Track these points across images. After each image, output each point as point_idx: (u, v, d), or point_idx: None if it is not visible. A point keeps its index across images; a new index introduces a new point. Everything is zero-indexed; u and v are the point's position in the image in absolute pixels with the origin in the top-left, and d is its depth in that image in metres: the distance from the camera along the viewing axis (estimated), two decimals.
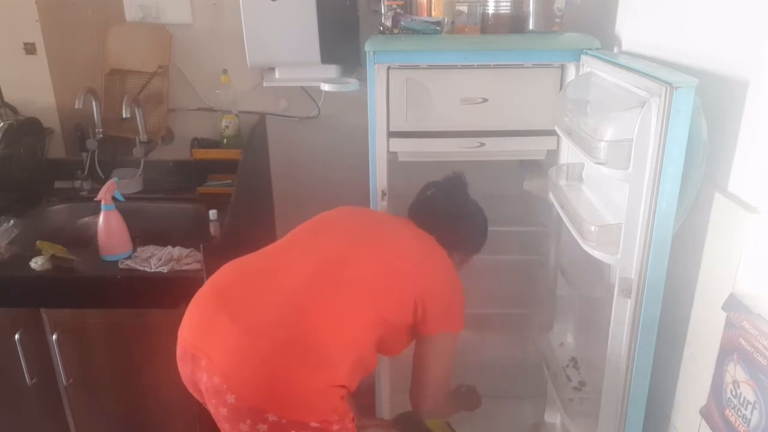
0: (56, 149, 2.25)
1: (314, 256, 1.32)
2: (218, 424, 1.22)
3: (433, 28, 1.68)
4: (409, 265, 1.37)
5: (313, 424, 1.15)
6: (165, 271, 1.69)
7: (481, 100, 1.66)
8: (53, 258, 1.72)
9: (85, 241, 1.93)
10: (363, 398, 1.79)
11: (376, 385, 1.84)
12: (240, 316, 1.20)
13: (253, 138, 2.13)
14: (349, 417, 1.23)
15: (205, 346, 1.20)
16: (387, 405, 1.88)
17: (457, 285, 1.43)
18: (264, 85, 2.14)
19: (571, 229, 1.42)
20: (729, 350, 1.02)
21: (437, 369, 1.44)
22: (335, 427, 1.18)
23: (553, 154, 1.75)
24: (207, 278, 1.54)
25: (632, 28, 1.59)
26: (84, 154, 2.19)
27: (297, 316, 1.20)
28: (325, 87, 1.96)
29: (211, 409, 1.21)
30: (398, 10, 1.75)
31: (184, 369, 1.27)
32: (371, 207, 1.70)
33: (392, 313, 1.30)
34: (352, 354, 1.21)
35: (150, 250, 1.78)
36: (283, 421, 1.14)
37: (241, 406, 1.15)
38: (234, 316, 1.20)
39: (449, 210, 1.55)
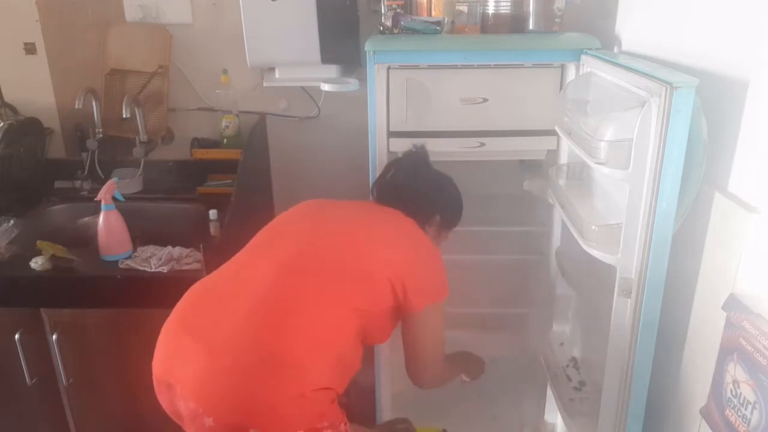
0: (56, 149, 2.25)
1: (273, 264, 1.27)
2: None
3: (433, 28, 1.68)
4: (376, 248, 1.32)
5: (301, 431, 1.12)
6: (165, 271, 1.69)
7: (481, 99, 1.66)
8: (53, 258, 1.72)
9: (85, 241, 1.93)
10: (363, 397, 1.79)
11: (376, 385, 1.84)
12: (204, 337, 1.17)
13: (253, 138, 2.13)
14: (340, 420, 1.19)
15: (175, 372, 1.18)
16: (387, 403, 1.88)
17: (432, 253, 1.38)
18: (264, 85, 2.14)
19: (571, 229, 1.42)
20: (729, 350, 1.02)
21: (429, 343, 1.40)
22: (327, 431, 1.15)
23: (553, 154, 1.75)
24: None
25: (632, 28, 1.59)
26: (84, 154, 2.19)
27: (263, 328, 1.17)
28: (325, 87, 1.96)
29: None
30: (398, 10, 1.75)
31: (162, 399, 1.23)
32: None
33: (368, 302, 1.27)
34: (328, 355, 1.18)
35: (150, 250, 1.78)
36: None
37: (221, 427, 1.12)
38: (198, 338, 1.18)
39: (412, 184, 1.49)
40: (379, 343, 1.47)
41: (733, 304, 1.02)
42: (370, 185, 1.68)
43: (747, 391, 0.97)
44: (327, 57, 1.98)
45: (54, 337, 1.72)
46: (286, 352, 1.14)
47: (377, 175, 1.67)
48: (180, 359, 1.18)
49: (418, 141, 1.57)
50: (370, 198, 1.54)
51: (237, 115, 2.19)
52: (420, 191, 1.48)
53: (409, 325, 1.37)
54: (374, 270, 1.28)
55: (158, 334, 1.65)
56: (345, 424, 1.21)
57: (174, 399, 1.19)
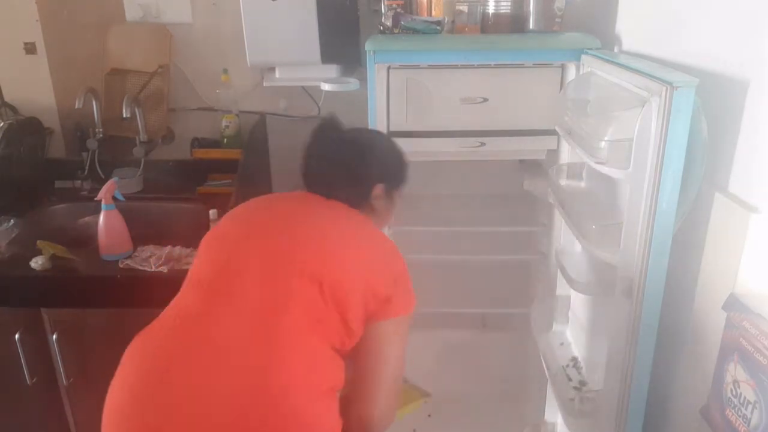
0: (56, 149, 2.25)
1: (236, 316, 1.06)
2: None
3: (434, 28, 1.68)
4: (342, 270, 1.11)
5: None
6: (165, 270, 1.69)
7: (482, 99, 1.66)
8: (53, 258, 1.72)
9: (86, 241, 1.93)
10: None
11: None
12: (171, 409, 0.98)
13: (253, 138, 2.13)
14: None
15: None
16: None
17: (395, 260, 1.18)
18: (264, 84, 2.14)
19: (571, 229, 1.42)
20: (729, 350, 1.02)
21: (390, 363, 1.15)
22: None
23: (554, 153, 1.75)
24: None
25: (632, 28, 1.59)
26: (84, 154, 2.19)
27: (253, 407, 0.97)
28: (326, 87, 1.96)
29: None
30: (398, 10, 1.75)
31: None
32: None
33: (342, 333, 1.10)
34: (324, 395, 1.05)
35: (150, 249, 1.78)
36: None
37: None
38: (142, 413, 1.01)
39: (334, 166, 1.25)
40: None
41: (733, 303, 1.02)
42: None
43: (747, 391, 0.97)
44: (327, 57, 1.98)
45: (54, 336, 1.72)
46: (277, 413, 0.98)
47: None
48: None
49: (327, 113, 1.33)
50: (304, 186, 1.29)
51: (237, 115, 2.19)
52: (345, 170, 1.23)
53: (369, 339, 1.14)
54: (349, 299, 1.09)
55: None
56: None
57: None
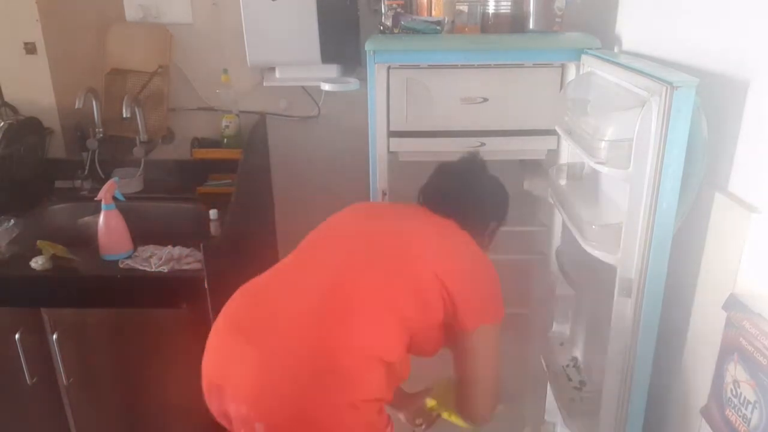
0: (56, 149, 2.25)
1: (326, 271, 1.25)
2: None
3: (434, 28, 1.68)
4: (427, 260, 1.26)
5: None
6: (165, 270, 1.69)
7: (482, 99, 1.66)
8: (53, 257, 1.72)
9: (86, 241, 1.92)
10: None
11: None
12: (257, 341, 1.16)
13: (253, 138, 2.13)
14: (386, 425, 1.20)
15: (227, 375, 1.17)
16: None
17: (487, 271, 1.31)
18: (264, 84, 2.14)
19: (571, 229, 1.42)
20: (729, 350, 1.02)
21: (480, 369, 1.32)
22: None
23: (554, 153, 1.75)
24: (207, 278, 1.54)
25: (633, 28, 1.59)
26: (84, 154, 2.19)
27: (315, 338, 1.15)
28: (326, 86, 1.96)
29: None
30: (398, 10, 1.75)
31: (212, 402, 1.21)
32: None
33: (417, 313, 1.22)
34: (379, 368, 1.16)
35: (150, 249, 1.78)
36: None
37: (250, 418, 1.12)
38: (251, 341, 1.16)
39: (463, 195, 1.42)
40: (426, 356, 1.36)
41: (733, 303, 1.02)
42: (371, 185, 1.68)
43: (747, 391, 0.97)
44: (327, 57, 1.98)
45: (54, 336, 1.72)
46: (337, 362, 1.12)
47: (377, 174, 1.67)
48: (232, 362, 1.17)
49: (473, 148, 1.56)
50: (416, 202, 1.46)
51: (237, 115, 2.19)
52: (473, 202, 1.41)
53: (460, 348, 1.31)
54: (424, 282, 1.23)
55: (159, 334, 1.65)
56: (390, 427, 1.22)
57: (224, 401, 1.17)
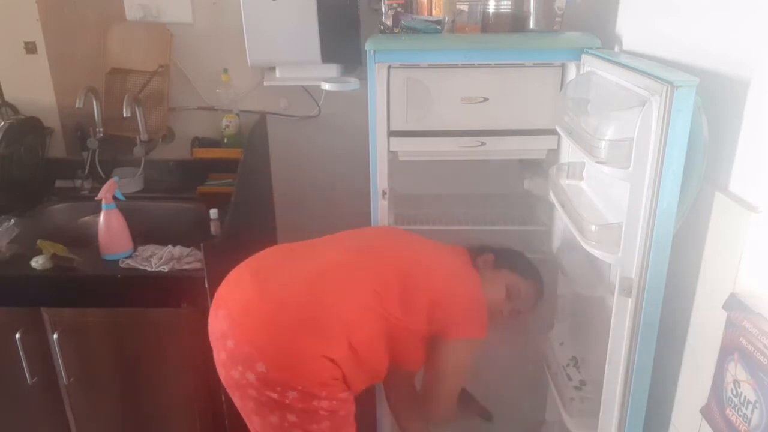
0: (57, 148, 2.25)
1: (342, 250, 1.45)
2: (218, 371, 1.34)
3: (434, 27, 1.68)
4: (426, 273, 1.42)
5: (299, 387, 1.22)
6: (165, 270, 1.69)
7: (482, 99, 1.66)
8: (54, 257, 1.72)
9: (86, 241, 1.93)
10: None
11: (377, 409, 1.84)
12: (262, 278, 1.34)
13: (253, 137, 2.13)
14: (341, 407, 1.27)
15: (227, 298, 1.34)
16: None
17: (476, 292, 1.45)
18: (264, 84, 2.14)
19: (571, 229, 1.42)
20: (730, 349, 1.02)
21: (448, 376, 1.45)
22: (323, 403, 1.24)
23: (554, 153, 1.75)
24: (207, 278, 1.56)
25: (633, 27, 1.59)
26: (84, 154, 2.19)
27: (309, 289, 1.32)
28: (326, 86, 1.96)
29: (215, 356, 1.32)
30: (399, 9, 1.75)
31: (210, 322, 1.35)
32: (371, 206, 1.71)
33: (400, 314, 1.35)
34: (347, 333, 1.28)
35: (150, 249, 1.78)
36: (270, 375, 1.22)
37: (238, 351, 1.24)
38: (257, 277, 1.34)
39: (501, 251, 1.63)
40: (409, 369, 1.52)
41: (733, 303, 1.02)
42: (371, 184, 1.69)
43: (748, 391, 0.97)
44: (327, 56, 1.98)
45: (54, 336, 1.72)
46: (320, 316, 1.28)
47: (377, 174, 1.67)
48: (235, 290, 1.35)
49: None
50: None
51: (237, 115, 2.19)
52: (499, 251, 1.62)
53: (435, 352, 1.42)
54: (418, 288, 1.38)
55: (159, 334, 1.68)
56: (347, 415, 1.29)
57: (217, 321, 1.32)
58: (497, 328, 1.53)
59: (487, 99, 1.66)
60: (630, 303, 1.22)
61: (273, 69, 2.10)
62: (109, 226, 1.74)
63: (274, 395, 1.22)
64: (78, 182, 2.21)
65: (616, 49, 1.66)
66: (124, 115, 1.99)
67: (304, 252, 1.45)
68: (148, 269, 1.70)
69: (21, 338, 1.71)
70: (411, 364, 1.46)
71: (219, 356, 1.31)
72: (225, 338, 1.27)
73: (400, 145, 1.70)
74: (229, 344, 1.26)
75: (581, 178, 1.63)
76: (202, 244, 1.64)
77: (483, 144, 1.69)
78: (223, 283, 1.39)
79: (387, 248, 1.49)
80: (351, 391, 1.32)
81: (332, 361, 1.25)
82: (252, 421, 1.31)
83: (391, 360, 1.40)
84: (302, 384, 1.22)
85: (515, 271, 1.60)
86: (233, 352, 1.25)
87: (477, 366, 1.67)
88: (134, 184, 2.17)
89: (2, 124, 2.04)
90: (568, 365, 1.74)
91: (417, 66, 1.64)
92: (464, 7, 1.74)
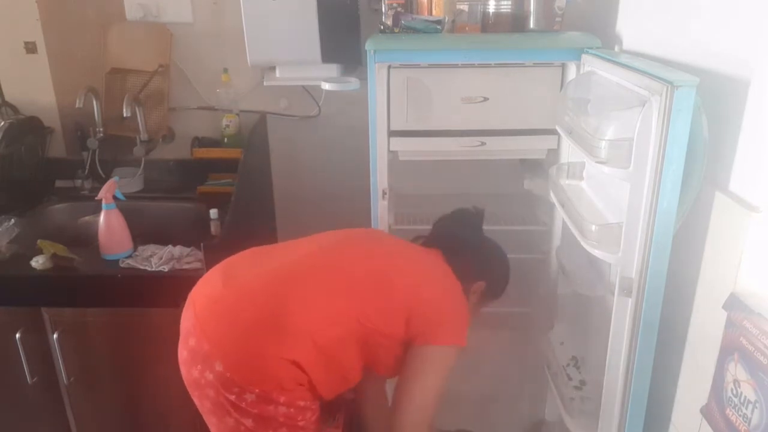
0: (57, 148, 2.25)
1: (314, 249, 1.38)
2: (180, 369, 1.30)
3: (434, 27, 1.68)
4: (403, 277, 1.34)
5: (256, 390, 1.18)
6: (165, 270, 1.69)
7: (482, 99, 1.66)
8: (54, 257, 1.72)
9: (86, 240, 1.93)
10: None
11: None
12: (230, 276, 1.31)
13: (253, 137, 2.13)
14: (301, 416, 1.22)
15: (195, 296, 1.31)
16: None
17: (456, 299, 1.38)
18: (264, 84, 2.14)
19: (571, 228, 1.42)
20: (730, 349, 1.02)
21: (421, 385, 1.30)
22: (281, 409, 1.19)
23: (554, 153, 1.75)
24: None
25: (633, 27, 1.59)
26: (85, 153, 2.19)
27: (273, 287, 1.27)
28: (326, 86, 1.96)
29: (179, 355, 1.30)
30: (399, 9, 1.75)
31: (181, 323, 1.32)
32: (371, 206, 1.71)
33: (374, 319, 1.27)
34: (311, 334, 1.21)
35: (151, 249, 1.78)
36: (227, 374, 1.17)
37: (198, 349, 1.21)
38: (225, 276, 1.31)
39: (470, 239, 1.53)
40: (383, 372, 1.39)
41: (733, 303, 1.02)
42: (371, 184, 1.68)
43: (748, 391, 0.97)
44: (327, 56, 1.98)
45: (55, 336, 1.72)
46: (280, 315, 1.22)
47: (377, 174, 1.67)
48: (204, 286, 1.33)
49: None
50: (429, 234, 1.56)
51: (237, 114, 2.19)
52: (473, 252, 1.51)
53: (410, 358, 1.31)
54: (394, 298, 1.31)
55: (159, 334, 1.67)
56: (305, 426, 1.23)
57: (184, 321, 1.30)
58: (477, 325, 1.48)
59: (487, 99, 1.66)
60: (630, 303, 1.22)
61: (273, 69, 2.10)
62: (109, 226, 1.74)
63: (232, 397, 1.17)
64: (78, 182, 2.21)
65: (617, 48, 1.66)
66: (124, 114, 1.99)
67: (278, 252, 1.42)
68: (148, 269, 1.70)
69: (21, 338, 1.71)
70: (387, 369, 1.36)
71: (181, 355, 1.27)
72: (188, 336, 1.24)
73: (400, 144, 1.70)
74: (191, 342, 1.23)
75: (581, 178, 1.63)
76: (202, 244, 1.64)
77: (483, 144, 1.69)
78: (197, 282, 1.36)
79: (363, 250, 1.42)
80: (321, 397, 1.26)
81: (295, 363, 1.19)
82: (209, 421, 1.27)
83: (366, 363, 1.32)
84: (260, 387, 1.17)
85: (498, 296, 1.56)
86: (194, 350, 1.22)
87: (476, 364, 1.66)
88: (134, 184, 2.17)
89: (2, 124, 2.05)
90: (568, 365, 1.74)
91: (417, 66, 1.64)
92: (464, 7, 1.74)
